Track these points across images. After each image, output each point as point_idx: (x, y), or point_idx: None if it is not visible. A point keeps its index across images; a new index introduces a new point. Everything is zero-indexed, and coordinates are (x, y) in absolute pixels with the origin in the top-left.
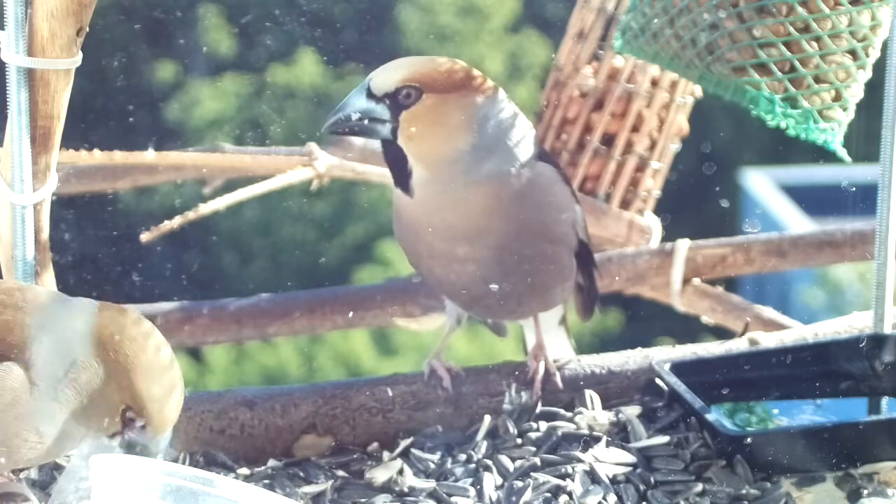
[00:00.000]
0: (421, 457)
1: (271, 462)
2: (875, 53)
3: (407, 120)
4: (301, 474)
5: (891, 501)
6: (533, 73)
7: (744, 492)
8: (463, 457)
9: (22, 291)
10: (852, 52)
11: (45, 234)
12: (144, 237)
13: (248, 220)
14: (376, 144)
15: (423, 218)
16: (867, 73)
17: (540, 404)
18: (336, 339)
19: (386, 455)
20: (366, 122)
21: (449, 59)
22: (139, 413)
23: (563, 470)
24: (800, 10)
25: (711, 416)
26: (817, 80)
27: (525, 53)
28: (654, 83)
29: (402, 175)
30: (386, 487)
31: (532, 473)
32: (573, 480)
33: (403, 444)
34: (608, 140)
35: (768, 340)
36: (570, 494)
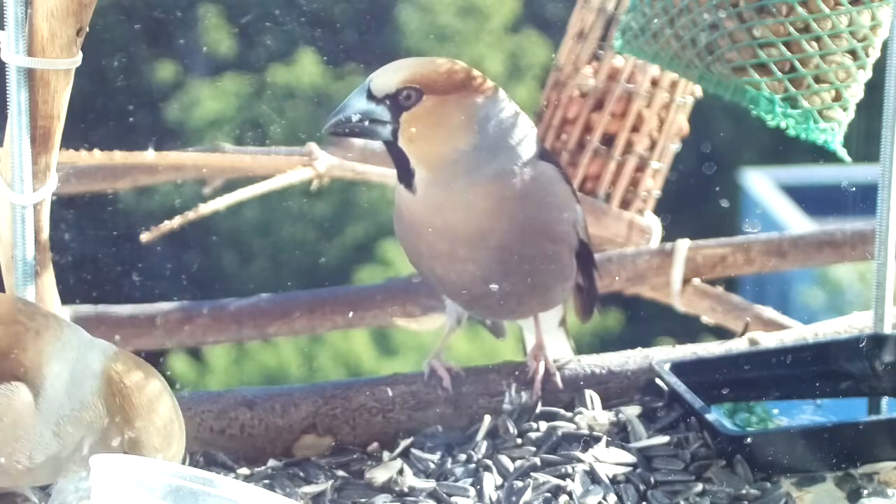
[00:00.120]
0: (421, 457)
1: (271, 462)
2: (875, 53)
3: (407, 121)
4: (301, 474)
5: (891, 501)
6: (533, 73)
7: (744, 492)
8: (463, 457)
9: (46, 318)
10: (852, 52)
11: (45, 234)
12: (144, 237)
13: (248, 220)
14: (376, 144)
15: (425, 217)
16: (867, 73)
17: (540, 404)
18: (336, 339)
19: (386, 455)
20: (366, 123)
21: (449, 60)
22: (131, 449)
23: (563, 470)
24: (800, 10)
25: (711, 416)
26: (817, 80)
27: (525, 53)
28: (654, 83)
29: (405, 174)
30: (386, 487)
31: (532, 473)
32: (573, 480)
33: (403, 444)
34: (608, 140)
35: (768, 340)
36: (570, 494)
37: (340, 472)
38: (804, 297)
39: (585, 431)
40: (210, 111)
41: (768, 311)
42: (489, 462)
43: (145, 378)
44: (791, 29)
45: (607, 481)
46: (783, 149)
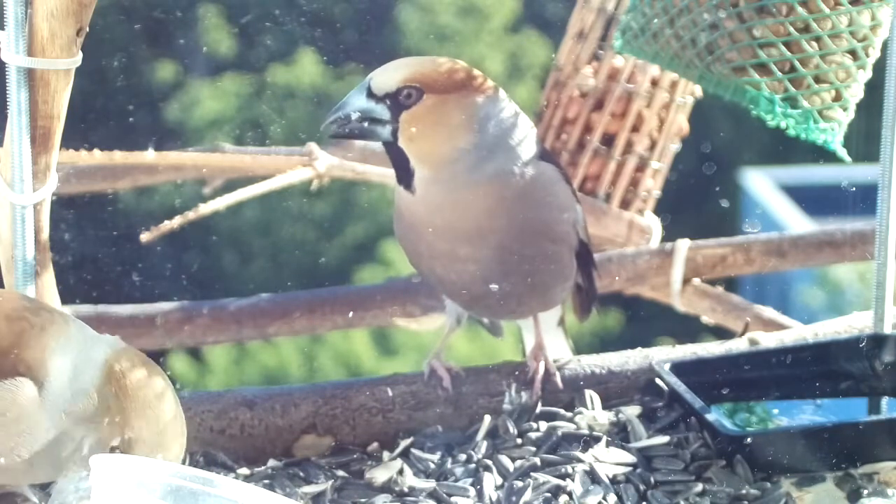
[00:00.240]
0: (421, 457)
1: (271, 462)
2: (875, 53)
3: (407, 120)
4: (301, 474)
5: (891, 501)
6: (533, 73)
7: (744, 492)
8: (463, 457)
9: (50, 314)
10: (852, 52)
11: (45, 234)
12: (144, 237)
13: (248, 220)
14: (376, 144)
15: (425, 217)
16: (867, 73)
17: (540, 404)
18: (336, 339)
19: (386, 455)
20: (366, 123)
21: (449, 60)
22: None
23: (563, 470)
24: (800, 10)
25: (711, 416)
26: (817, 80)
27: (525, 53)
28: (654, 83)
29: (405, 174)
30: (386, 487)
31: (532, 473)
32: (573, 480)
33: (403, 444)
34: (608, 140)
35: (768, 340)
36: (570, 494)
37: (340, 472)
38: (804, 297)
39: (585, 431)
40: (210, 111)
41: (768, 311)
42: (489, 462)
43: (147, 375)
44: (791, 29)
45: (607, 481)
46: (783, 149)
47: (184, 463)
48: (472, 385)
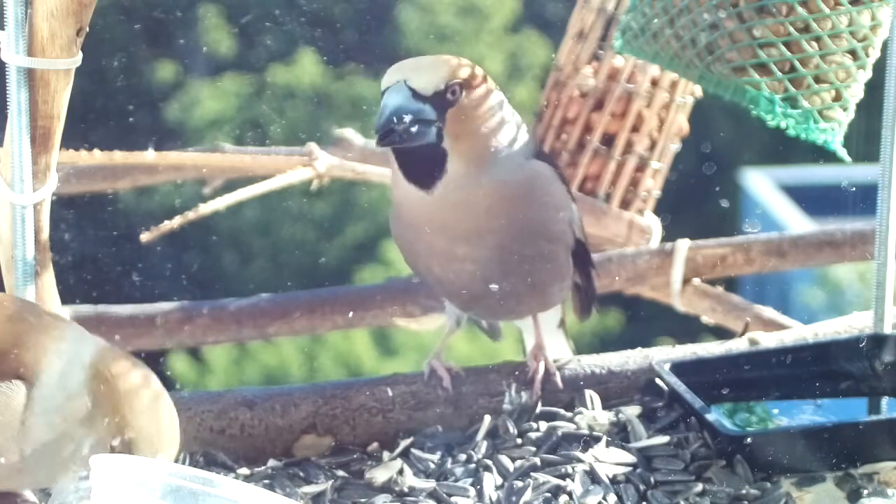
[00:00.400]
0: (421, 457)
1: (271, 462)
2: (875, 53)
3: (455, 117)
4: (301, 474)
5: (891, 501)
6: (533, 73)
7: (744, 492)
8: (463, 457)
9: (50, 317)
10: (852, 52)
11: (45, 234)
12: (144, 237)
13: (248, 220)
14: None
15: (432, 216)
16: (867, 73)
17: (540, 404)
18: (336, 339)
19: (386, 455)
20: (416, 127)
21: (456, 56)
22: (129, 447)
23: (563, 470)
24: (800, 10)
25: (711, 416)
26: (817, 80)
27: (525, 53)
28: (654, 83)
29: (433, 174)
30: (386, 487)
31: (532, 473)
32: (573, 480)
33: (403, 444)
34: (608, 140)
35: (768, 340)
36: (570, 494)
37: (340, 472)
38: (804, 297)
39: (585, 431)
40: (210, 111)
41: (768, 311)
42: (489, 462)
43: (136, 374)
44: (791, 29)
45: (607, 481)
46: (783, 149)
47: (184, 463)
48: (472, 385)
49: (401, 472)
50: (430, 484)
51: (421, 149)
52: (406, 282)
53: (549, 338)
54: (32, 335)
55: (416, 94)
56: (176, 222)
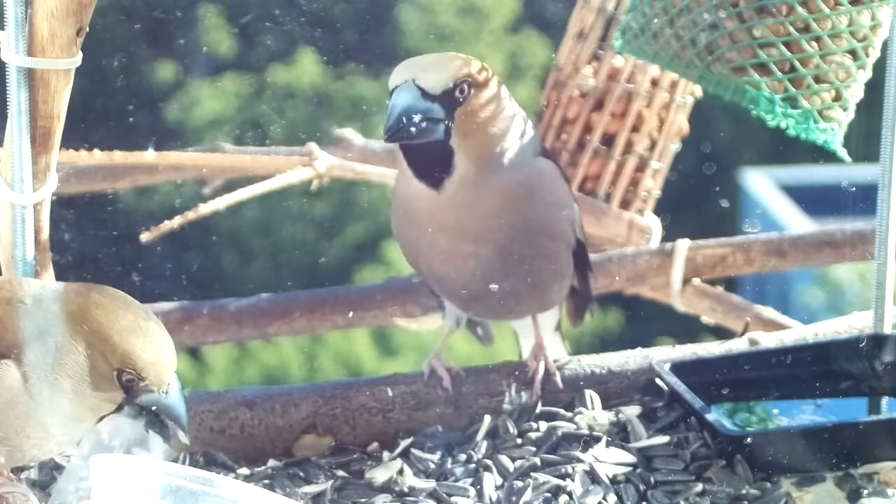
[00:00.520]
0: (421, 457)
1: (271, 462)
2: (875, 53)
3: (464, 116)
4: (301, 474)
5: (891, 501)
6: (533, 73)
7: (744, 492)
8: (463, 457)
9: (11, 284)
10: (852, 52)
11: (45, 234)
12: (144, 237)
13: (248, 220)
14: (377, 144)
15: (437, 214)
16: (867, 73)
17: (540, 404)
18: (336, 339)
19: (386, 455)
20: (425, 124)
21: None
22: (134, 370)
23: (563, 470)
24: (800, 10)
25: (711, 416)
26: (817, 80)
27: (525, 53)
28: (654, 83)
29: (440, 172)
30: (386, 487)
31: (532, 473)
32: (573, 480)
33: (403, 444)
34: (608, 140)
35: (768, 340)
36: (570, 494)
37: (340, 472)
38: (804, 297)
39: (585, 431)
40: (210, 111)
41: (768, 311)
42: (489, 462)
43: (98, 293)
44: (791, 29)
45: (607, 481)
46: (783, 149)
47: (184, 463)
48: (472, 385)
49: (401, 472)
50: (430, 484)
51: (429, 146)
52: (406, 282)
53: (546, 342)
54: (2, 309)
55: (424, 94)
56: (176, 222)
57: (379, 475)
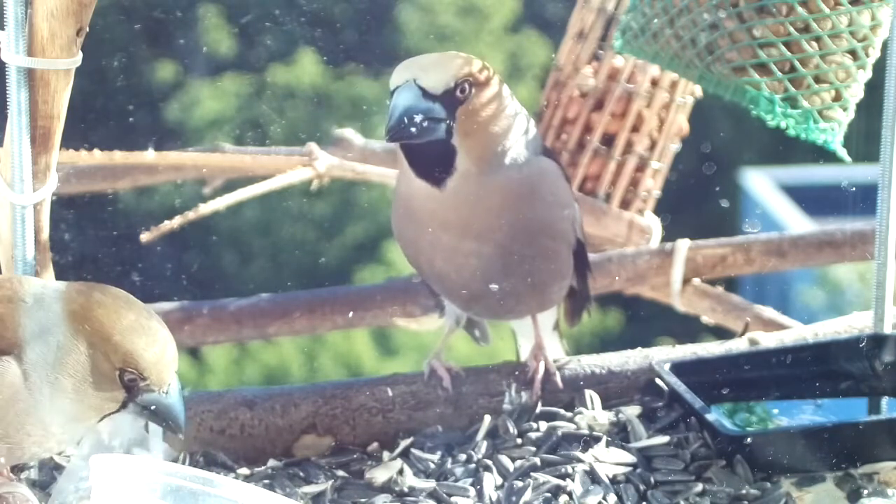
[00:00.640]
0: (421, 457)
1: (271, 462)
2: (875, 53)
3: (466, 115)
4: (301, 474)
5: (891, 501)
6: (533, 73)
7: (744, 492)
8: (463, 457)
9: (11, 282)
10: (852, 52)
11: (45, 234)
12: (144, 237)
13: (248, 220)
14: (377, 144)
15: (440, 212)
16: (867, 73)
17: (540, 404)
18: (337, 339)
19: (386, 455)
20: (426, 123)
21: (464, 54)
22: (136, 370)
23: (563, 470)
24: (800, 10)
25: (711, 416)
26: (817, 80)
27: (525, 53)
28: (654, 83)
29: (442, 170)
30: (386, 487)
31: (532, 473)
32: (573, 480)
33: (403, 444)
34: (608, 140)
35: (768, 340)
36: (570, 494)
37: (340, 472)
38: (804, 297)
39: (585, 431)
40: (210, 111)
41: (768, 311)
42: (489, 462)
43: (100, 293)
44: (791, 29)
45: (607, 481)
46: (783, 149)
47: (184, 463)
48: (472, 385)
49: (401, 472)
50: (430, 484)
51: (431, 146)
52: (406, 282)
53: (544, 339)
54: (4, 307)
55: (425, 93)
56: (176, 222)
57: (379, 475)
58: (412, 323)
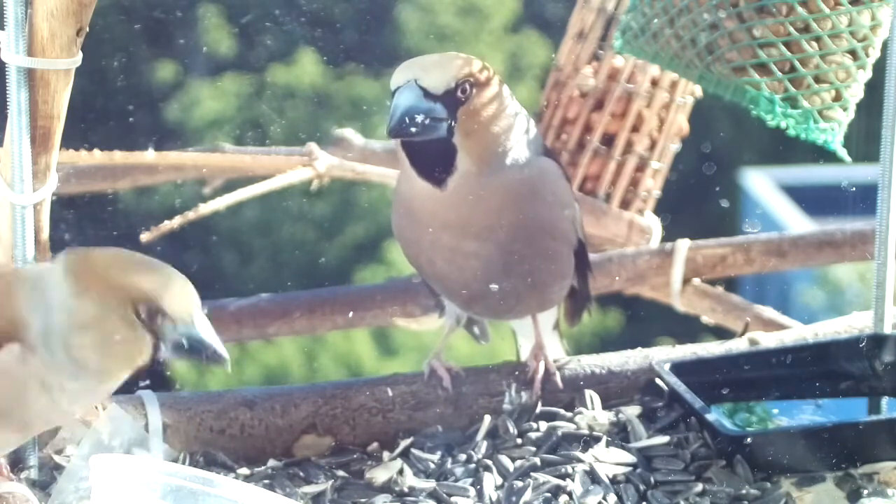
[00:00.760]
0: (421, 457)
1: (271, 462)
2: (875, 53)
3: (467, 115)
4: (301, 474)
5: (891, 501)
6: (533, 73)
7: (744, 492)
8: (463, 457)
9: (9, 266)
10: (852, 52)
11: (45, 234)
12: (144, 237)
13: (248, 220)
14: (377, 144)
15: (441, 212)
16: (867, 73)
17: (540, 404)
18: (337, 340)
19: (386, 455)
20: (427, 122)
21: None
22: (149, 300)
23: (563, 470)
24: (800, 10)
25: (711, 416)
26: (817, 80)
27: (525, 53)
28: (654, 83)
29: (442, 170)
30: (386, 487)
31: (532, 473)
32: (573, 480)
33: (403, 444)
34: (608, 140)
35: (768, 340)
36: (570, 494)
37: (340, 472)
38: (804, 297)
39: (585, 431)
40: (210, 111)
41: (768, 311)
42: (489, 462)
43: (100, 250)
44: (791, 29)
45: (607, 481)
46: (783, 149)
47: (184, 463)
48: (472, 385)
49: (401, 472)
50: (430, 484)
51: (432, 145)
52: (406, 282)
53: (544, 340)
54: (7, 291)
55: (427, 94)
56: (176, 222)
57: (379, 475)
58: (412, 323)
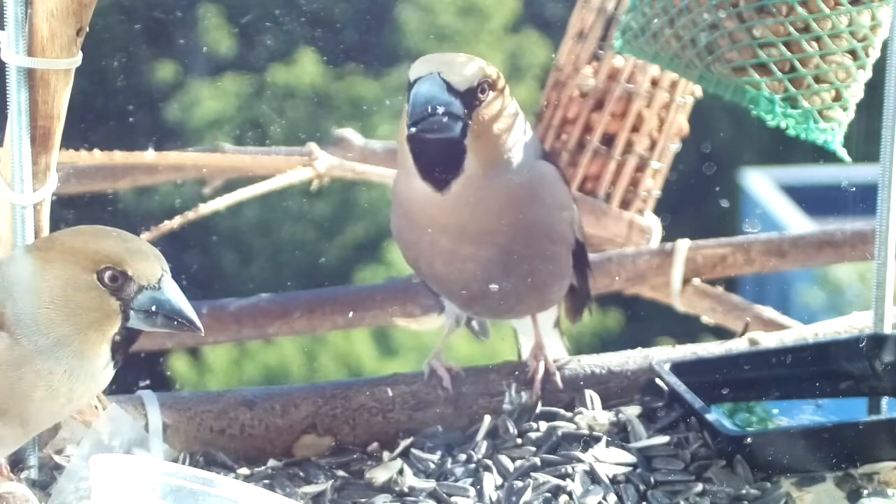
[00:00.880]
0: (421, 457)
1: (271, 462)
2: (875, 53)
3: (482, 115)
4: (301, 474)
5: (891, 501)
6: (533, 73)
7: (744, 492)
8: (463, 457)
9: None
10: (852, 52)
11: (45, 234)
12: (144, 237)
13: (248, 220)
14: (377, 144)
15: (441, 215)
16: (867, 73)
17: (540, 404)
18: (337, 340)
19: (386, 455)
20: (446, 119)
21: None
22: (111, 263)
23: (563, 470)
24: (800, 10)
25: (711, 416)
26: (817, 80)
27: (525, 53)
28: (654, 83)
29: (448, 172)
30: (386, 487)
31: (532, 473)
32: (573, 480)
33: (403, 444)
34: (608, 140)
35: (768, 340)
36: (570, 494)
37: (340, 472)
38: (804, 297)
39: (585, 431)
40: (210, 111)
41: (768, 311)
42: (489, 462)
43: (66, 229)
44: (791, 29)
45: (607, 481)
46: (783, 149)
47: (184, 463)
48: (472, 385)
49: (401, 472)
50: (430, 484)
51: (441, 144)
52: (406, 282)
53: (545, 338)
54: None
55: (450, 88)
56: (176, 222)
57: (379, 475)
58: (412, 323)
